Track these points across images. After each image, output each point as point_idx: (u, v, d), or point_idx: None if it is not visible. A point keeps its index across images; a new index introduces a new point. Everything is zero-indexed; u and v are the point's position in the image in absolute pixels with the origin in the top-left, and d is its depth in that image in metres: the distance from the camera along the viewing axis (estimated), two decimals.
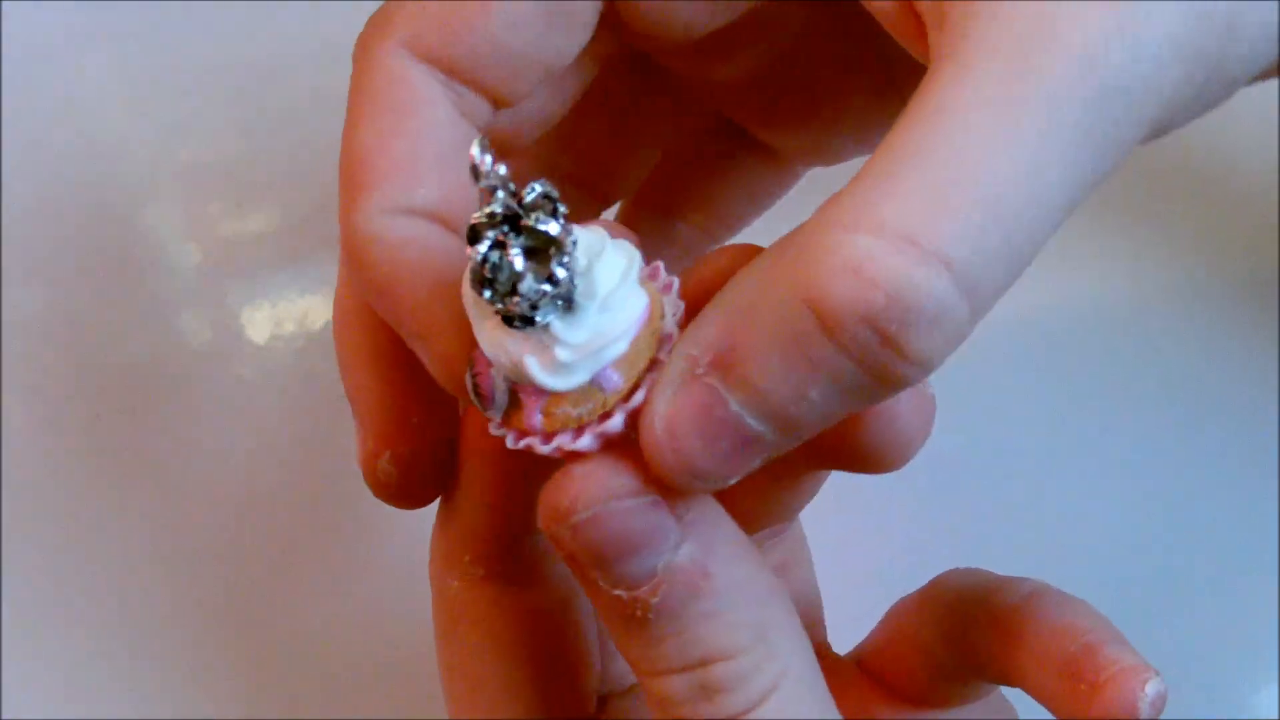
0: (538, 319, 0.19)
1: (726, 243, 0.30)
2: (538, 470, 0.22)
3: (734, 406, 0.18)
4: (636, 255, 0.20)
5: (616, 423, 0.20)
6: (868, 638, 0.29)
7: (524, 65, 0.23)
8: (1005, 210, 0.17)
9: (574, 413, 0.20)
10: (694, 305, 0.21)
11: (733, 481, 0.20)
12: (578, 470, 0.20)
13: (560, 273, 0.19)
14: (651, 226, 0.31)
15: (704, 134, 0.30)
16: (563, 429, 0.20)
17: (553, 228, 0.19)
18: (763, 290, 0.18)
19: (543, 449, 0.21)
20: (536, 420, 0.21)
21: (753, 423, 0.19)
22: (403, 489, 0.24)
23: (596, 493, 0.20)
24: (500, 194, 0.19)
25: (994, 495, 0.40)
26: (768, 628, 0.21)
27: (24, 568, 0.39)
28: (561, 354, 0.20)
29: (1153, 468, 0.41)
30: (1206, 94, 0.19)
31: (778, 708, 0.21)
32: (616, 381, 0.20)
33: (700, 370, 0.19)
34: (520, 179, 0.30)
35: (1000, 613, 0.25)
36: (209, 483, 0.41)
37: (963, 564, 0.27)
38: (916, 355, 0.17)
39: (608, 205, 0.31)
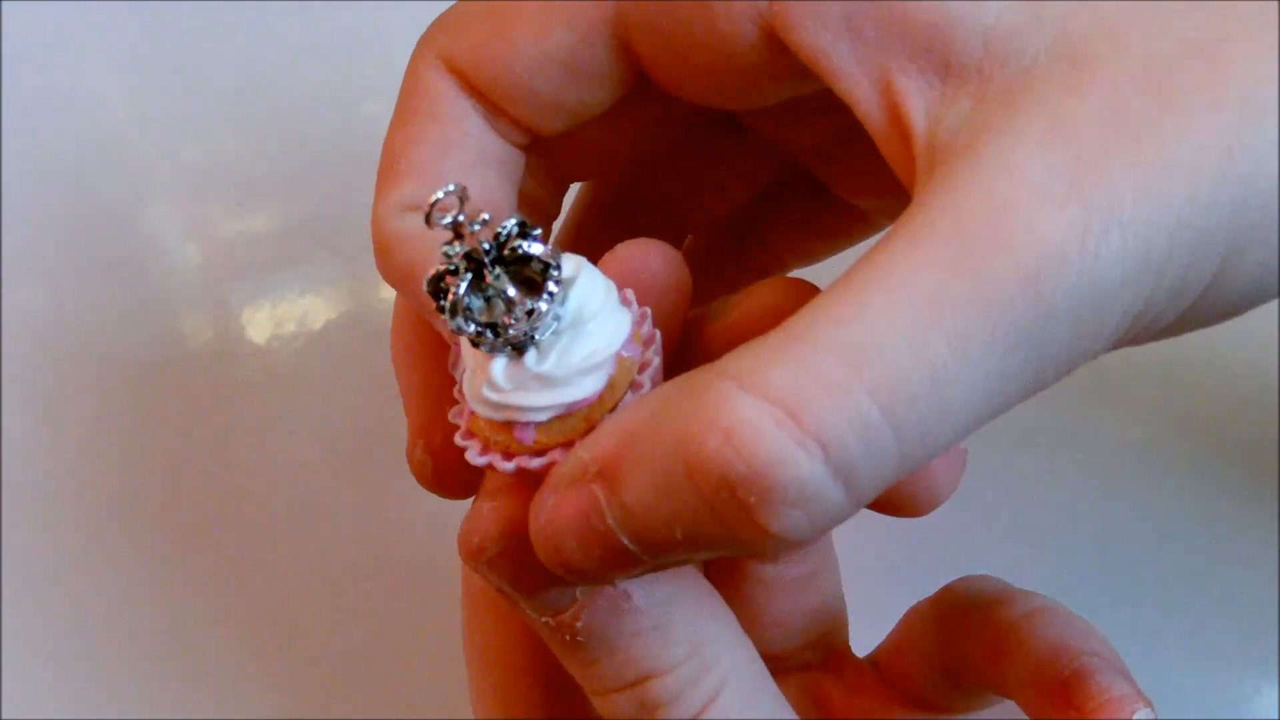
0: (481, 348, 0.20)
1: (794, 272, 0.30)
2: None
3: (609, 519, 0.18)
4: (618, 341, 0.20)
5: (509, 467, 0.20)
6: (884, 641, 0.29)
7: (545, 106, 0.23)
8: (901, 407, 0.17)
9: (487, 433, 0.21)
10: (736, 339, 0.21)
11: (614, 581, 0.20)
12: (485, 509, 0.21)
13: (512, 332, 0.19)
14: (724, 253, 0.31)
15: (785, 182, 0.30)
16: (476, 437, 0.21)
17: (509, 290, 0.19)
18: (657, 417, 0.18)
19: (458, 439, 0.21)
20: (466, 414, 0.21)
21: (625, 540, 0.19)
22: (437, 477, 0.25)
23: (503, 528, 0.21)
24: (458, 245, 0.19)
25: (1009, 502, 0.40)
26: (701, 640, 0.21)
27: (24, 568, 0.39)
28: (486, 390, 0.20)
29: (1155, 469, 0.41)
30: (1194, 316, 0.18)
31: (720, 716, 0.21)
32: (528, 438, 0.20)
33: (589, 477, 0.19)
34: (596, 205, 0.30)
35: (1001, 626, 0.25)
36: (209, 482, 0.41)
37: (982, 569, 0.27)
38: (774, 530, 0.17)
39: (688, 232, 0.31)
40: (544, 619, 0.21)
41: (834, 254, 0.31)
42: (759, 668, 0.22)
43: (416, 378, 0.25)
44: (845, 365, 0.17)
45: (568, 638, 0.21)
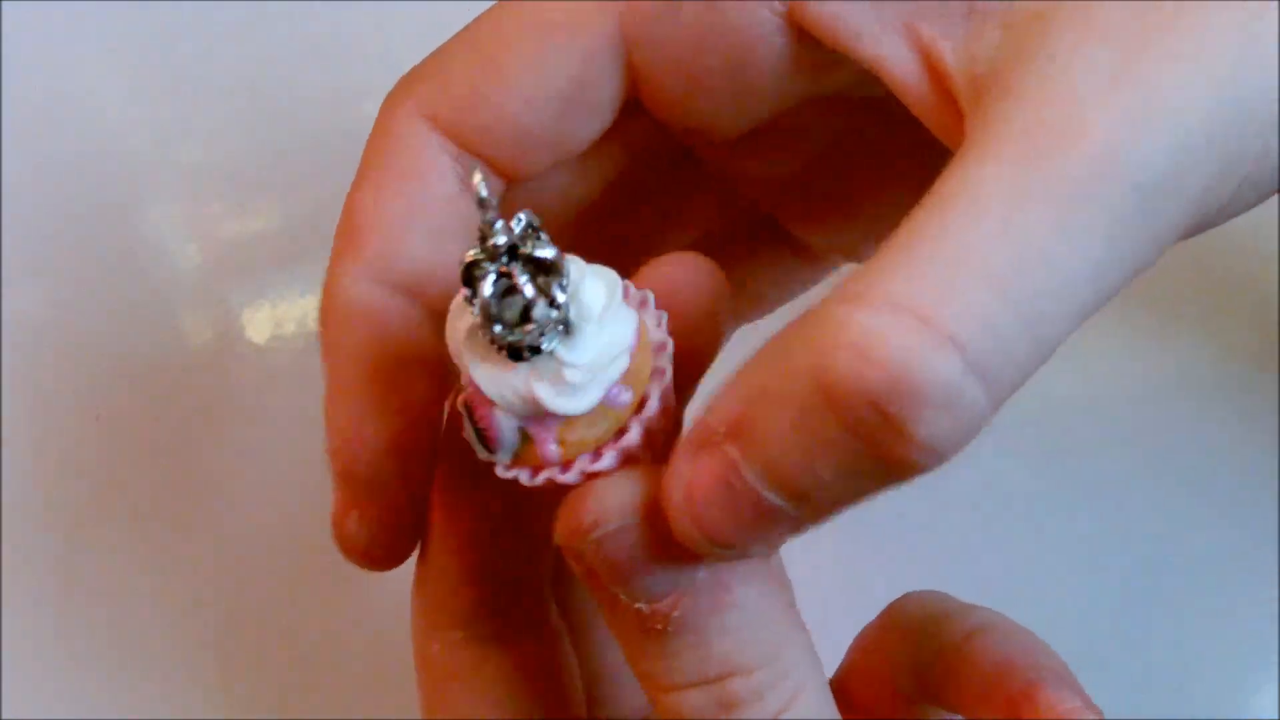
0: (544, 347, 0.20)
1: (752, 320, 0.30)
2: (510, 527, 0.23)
3: (749, 477, 0.18)
4: (616, 276, 0.21)
5: (634, 436, 0.20)
6: (842, 663, 0.29)
7: (538, 145, 0.23)
8: (1024, 299, 0.17)
9: (589, 435, 0.21)
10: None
11: (763, 553, 0.20)
12: (599, 485, 0.20)
13: (560, 296, 0.19)
14: None
15: (739, 224, 0.30)
16: (580, 453, 0.21)
17: (549, 252, 0.19)
18: (777, 363, 0.18)
19: (564, 478, 0.21)
20: (552, 451, 0.21)
21: (769, 495, 0.18)
22: (370, 550, 0.24)
23: (619, 508, 0.20)
24: (499, 226, 0.19)
25: (1002, 504, 0.40)
26: (783, 644, 0.21)
27: (24, 568, 0.39)
28: (572, 375, 0.20)
29: (1152, 471, 0.41)
30: (1254, 187, 0.18)
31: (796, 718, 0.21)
32: (626, 397, 0.20)
33: (718, 439, 0.18)
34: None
35: (946, 646, 0.25)
36: (209, 482, 0.41)
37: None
38: (923, 440, 0.17)
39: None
40: (639, 604, 0.20)
41: (787, 301, 0.31)
42: (825, 680, 0.22)
43: (367, 439, 0.24)
44: (959, 267, 0.17)
45: (659, 626, 0.21)
